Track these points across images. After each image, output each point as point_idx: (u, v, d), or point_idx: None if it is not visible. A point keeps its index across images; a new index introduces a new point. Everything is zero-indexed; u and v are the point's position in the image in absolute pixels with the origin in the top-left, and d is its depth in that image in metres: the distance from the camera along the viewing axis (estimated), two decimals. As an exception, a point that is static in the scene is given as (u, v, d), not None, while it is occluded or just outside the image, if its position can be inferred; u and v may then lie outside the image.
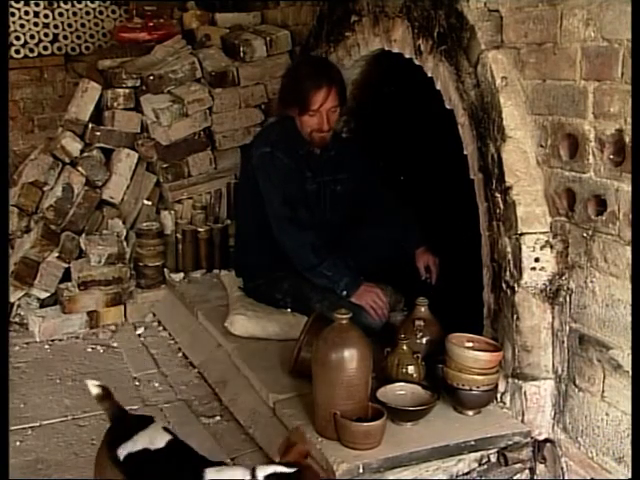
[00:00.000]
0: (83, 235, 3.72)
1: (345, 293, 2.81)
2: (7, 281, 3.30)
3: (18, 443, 2.61)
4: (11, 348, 3.38)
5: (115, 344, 3.46)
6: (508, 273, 2.23)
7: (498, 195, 2.23)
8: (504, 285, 2.25)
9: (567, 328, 2.14)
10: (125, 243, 3.75)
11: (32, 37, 4.69)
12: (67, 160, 3.81)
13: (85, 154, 3.81)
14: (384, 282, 3.03)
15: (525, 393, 2.23)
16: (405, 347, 2.40)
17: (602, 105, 1.92)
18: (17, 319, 3.61)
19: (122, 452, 1.85)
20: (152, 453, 1.83)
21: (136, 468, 1.83)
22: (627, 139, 1.84)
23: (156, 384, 3.06)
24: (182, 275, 3.74)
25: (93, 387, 2.02)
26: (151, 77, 3.88)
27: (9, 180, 4.17)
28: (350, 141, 3.33)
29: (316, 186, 3.05)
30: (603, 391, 2.02)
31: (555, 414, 2.21)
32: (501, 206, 2.23)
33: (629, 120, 1.83)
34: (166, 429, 1.93)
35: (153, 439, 1.86)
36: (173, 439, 1.88)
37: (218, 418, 2.78)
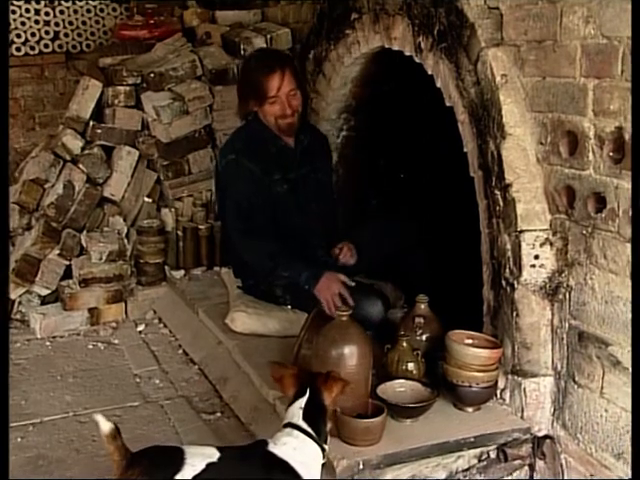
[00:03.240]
0: (84, 232, 3.72)
1: (307, 287, 2.79)
2: (7, 280, 3.29)
3: (19, 439, 2.61)
4: (12, 345, 3.38)
5: (116, 341, 3.46)
6: (508, 270, 2.23)
7: (498, 192, 2.23)
8: (504, 282, 2.25)
9: (566, 325, 2.14)
10: (126, 240, 3.75)
11: (33, 35, 4.69)
12: (68, 157, 3.81)
13: (86, 151, 3.81)
14: (384, 279, 3.03)
15: (525, 390, 2.23)
16: (405, 344, 2.40)
17: (602, 102, 1.92)
18: (18, 316, 3.62)
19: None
20: (218, 464, 1.77)
21: None
22: (627, 136, 1.84)
23: (157, 381, 3.06)
24: (183, 272, 3.74)
25: (104, 423, 1.75)
26: (152, 75, 3.87)
27: (10, 178, 4.17)
28: (318, 130, 3.33)
29: (288, 185, 3.01)
30: (602, 388, 2.02)
31: (554, 411, 2.21)
32: (501, 203, 2.22)
33: (629, 117, 1.83)
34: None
35: (205, 453, 1.80)
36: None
37: (219, 414, 2.78)
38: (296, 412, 1.88)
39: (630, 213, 1.84)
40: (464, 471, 2.20)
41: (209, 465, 1.75)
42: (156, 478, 1.72)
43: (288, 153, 3.05)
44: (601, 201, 1.96)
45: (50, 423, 2.72)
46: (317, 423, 1.87)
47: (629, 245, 1.88)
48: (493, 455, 2.23)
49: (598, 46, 1.91)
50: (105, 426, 1.74)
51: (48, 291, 3.64)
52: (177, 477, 1.71)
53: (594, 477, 2.04)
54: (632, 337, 1.81)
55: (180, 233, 3.80)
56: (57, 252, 3.65)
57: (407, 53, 2.67)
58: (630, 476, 1.93)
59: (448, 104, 2.46)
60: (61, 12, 4.77)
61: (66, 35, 4.78)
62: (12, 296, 3.58)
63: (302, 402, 1.89)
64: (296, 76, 2.97)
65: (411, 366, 2.38)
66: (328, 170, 3.21)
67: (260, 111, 2.98)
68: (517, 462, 2.23)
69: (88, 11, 4.84)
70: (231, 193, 2.96)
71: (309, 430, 1.85)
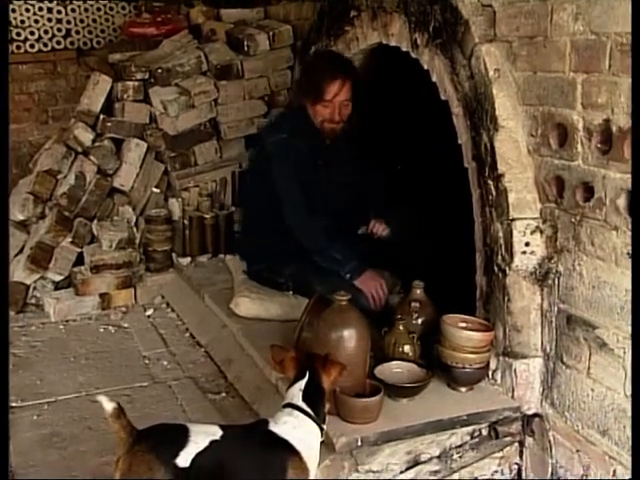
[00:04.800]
0: (95, 221, 3.73)
1: (349, 276, 2.80)
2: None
3: (35, 417, 2.62)
4: (27, 328, 3.40)
5: (126, 324, 3.47)
6: (500, 257, 2.23)
7: (491, 182, 2.23)
8: (496, 268, 2.25)
9: (555, 309, 2.14)
10: (135, 229, 3.75)
11: (46, 32, 4.66)
12: (80, 149, 3.80)
13: (97, 144, 3.80)
14: (382, 267, 3.03)
15: (515, 370, 2.23)
16: (402, 327, 2.40)
17: (590, 96, 1.91)
18: (33, 300, 3.63)
19: (185, 458, 1.72)
20: (220, 441, 1.77)
21: (212, 463, 1.75)
22: (614, 128, 1.84)
23: (165, 362, 3.07)
24: (189, 259, 3.75)
25: (107, 403, 1.75)
26: (159, 70, 3.86)
27: (24, 169, 4.18)
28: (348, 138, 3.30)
29: (326, 176, 3.03)
30: (589, 368, 2.02)
31: (543, 390, 2.22)
32: (493, 193, 2.22)
33: (616, 110, 1.83)
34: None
35: (209, 431, 1.79)
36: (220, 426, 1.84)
37: (224, 394, 2.79)
38: (296, 393, 1.88)
39: (623, 206, 1.84)
40: (457, 447, 2.21)
41: (212, 442, 1.76)
42: (161, 454, 1.73)
43: (324, 149, 3.03)
44: (589, 190, 1.96)
45: (64, 402, 2.73)
46: (316, 404, 1.88)
47: (615, 232, 1.88)
48: (485, 432, 2.24)
49: (587, 42, 1.90)
50: (108, 406, 1.74)
51: (61, 277, 3.65)
52: (181, 453, 1.72)
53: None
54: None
55: (186, 222, 3.80)
56: (69, 240, 3.65)
57: (404, 49, 2.66)
58: (615, 452, 1.96)
59: (443, 98, 2.45)
60: (72, 10, 4.75)
61: (77, 32, 4.76)
62: (27, 282, 3.60)
63: (302, 384, 1.89)
64: (354, 88, 2.95)
65: (407, 348, 2.38)
66: (356, 176, 3.13)
67: (310, 108, 2.97)
68: (507, 439, 2.24)
69: (98, 9, 4.81)
70: (289, 168, 2.90)
71: (308, 410, 1.85)
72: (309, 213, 2.88)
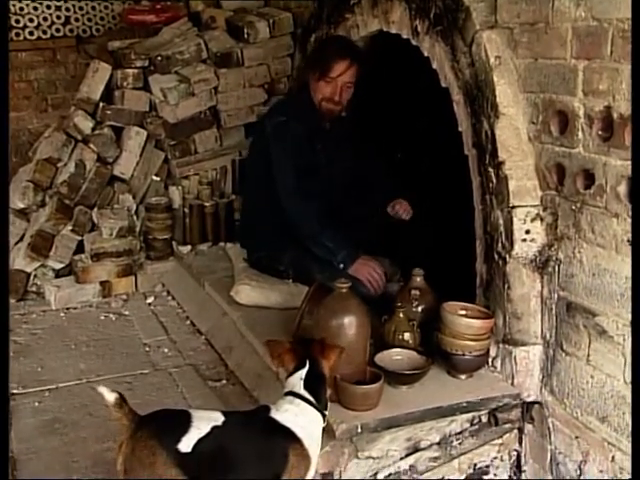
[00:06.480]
0: (95, 209, 3.73)
1: (342, 266, 2.80)
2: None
3: (36, 404, 2.63)
4: (28, 316, 3.41)
5: (126, 312, 3.48)
6: (500, 244, 2.23)
7: (491, 170, 2.22)
8: (496, 256, 2.25)
9: (555, 296, 2.14)
10: (135, 217, 3.76)
11: (45, 19, 4.62)
12: (79, 137, 3.80)
13: (96, 132, 3.80)
14: (382, 255, 3.03)
15: (515, 358, 2.23)
16: (402, 315, 2.40)
17: (591, 83, 1.90)
18: (34, 288, 3.63)
19: (187, 443, 1.72)
20: (222, 427, 1.77)
21: (214, 449, 1.75)
22: (615, 115, 1.83)
23: (165, 350, 3.08)
24: (189, 247, 3.74)
25: (108, 394, 1.76)
26: (159, 58, 3.85)
27: (24, 157, 4.16)
28: (348, 120, 3.29)
29: (324, 160, 3.03)
30: (588, 355, 2.02)
31: (543, 377, 2.22)
32: (494, 180, 2.22)
33: (617, 97, 1.82)
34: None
35: (211, 417, 1.80)
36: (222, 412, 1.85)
37: (224, 382, 2.80)
38: (297, 382, 1.89)
39: (623, 193, 1.83)
40: (457, 434, 2.22)
41: (214, 428, 1.76)
42: (163, 439, 1.73)
43: (324, 133, 3.04)
44: (590, 178, 1.95)
45: (65, 389, 2.74)
46: (317, 391, 1.88)
47: (615, 220, 1.87)
48: (484, 419, 2.25)
49: (588, 28, 1.89)
50: (110, 396, 1.75)
51: (62, 265, 3.65)
52: (183, 439, 1.73)
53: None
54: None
55: (187, 210, 3.79)
56: (70, 228, 3.65)
57: (404, 36, 2.64)
58: (614, 439, 1.96)
59: (444, 85, 2.44)
60: (72, -3, 4.72)
61: (77, 20, 4.71)
62: (28, 270, 3.60)
63: (302, 373, 1.89)
64: (359, 75, 2.96)
65: (407, 336, 2.38)
66: (356, 161, 3.14)
67: (313, 84, 2.98)
68: (507, 426, 2.25)
69: (97, -4, 4.78)
70: (285, 151, 2.92)
71: (310, 398, 1.86)
72: (302, 197, 2.88)
